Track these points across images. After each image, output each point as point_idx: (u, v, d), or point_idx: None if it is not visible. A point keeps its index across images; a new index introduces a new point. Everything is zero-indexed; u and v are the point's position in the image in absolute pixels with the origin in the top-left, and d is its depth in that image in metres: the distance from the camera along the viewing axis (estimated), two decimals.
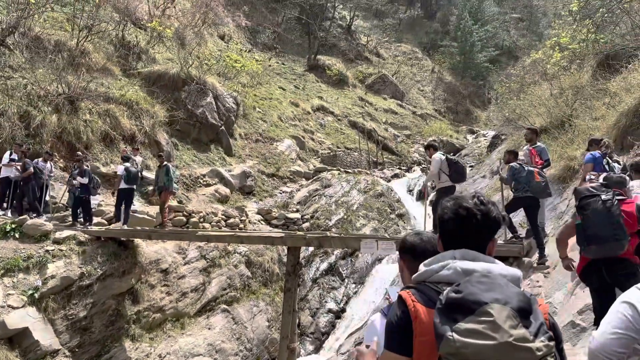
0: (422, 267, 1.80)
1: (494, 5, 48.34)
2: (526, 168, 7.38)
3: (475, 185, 16.68)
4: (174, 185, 11.69)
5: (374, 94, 34.45)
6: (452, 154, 26.22)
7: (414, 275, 1.82)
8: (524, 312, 1.48)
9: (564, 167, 10.00)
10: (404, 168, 25.53)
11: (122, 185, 11.55)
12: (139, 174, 12.05)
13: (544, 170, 7.76)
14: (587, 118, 10.88)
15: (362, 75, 36.41)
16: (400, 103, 35.06)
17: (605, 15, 10.60)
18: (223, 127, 19.49)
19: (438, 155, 8.46)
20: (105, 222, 12.15)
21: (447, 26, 46.28)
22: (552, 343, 1.46)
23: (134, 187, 11.97)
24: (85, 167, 11.49)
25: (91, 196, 11.59)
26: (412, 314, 1.64)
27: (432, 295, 1.66)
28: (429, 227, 16.48)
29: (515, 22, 50.70)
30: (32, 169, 10.97)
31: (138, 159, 13.49)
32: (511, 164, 7.61)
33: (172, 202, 14.35)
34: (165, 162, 11.87)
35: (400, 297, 1.73)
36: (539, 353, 1.41)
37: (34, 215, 10.76)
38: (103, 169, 13.63)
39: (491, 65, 41.23)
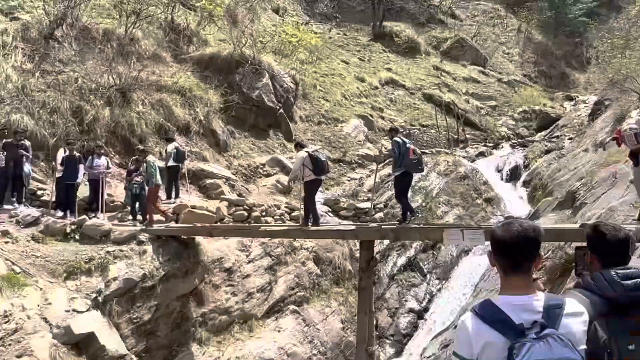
0: None
1: None
2: (407, 145, 9.25)
3: (577, 161, 15.82)
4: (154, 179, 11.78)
5: (451, 62, 33.39)
6: (546, 125, 24.89)
7: None
8: None
9: None
10: (491, 145, 24.65)
11: (171, 162, 13.28)
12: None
13: None
14: None
15: (436, 41, 35.33)
16: (483, 70, 33.76)
17: None
18: (281, 110, 19.70)
19: (301, 153, 10.19)
20: (164, 220, 12.63)
21: None
22: None
23: (180, 165, 13.79)
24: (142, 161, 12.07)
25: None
26: None
27: None
28: (524, 211, 15.90)
29: None
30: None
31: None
32: (395, 139, 9.41)
33: (232, 196, 14.73)
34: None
35: None
36: None
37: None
38: (160, 163, 14.09)
39: (589, 20, 38.39)
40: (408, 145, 9.29)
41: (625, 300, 2.40)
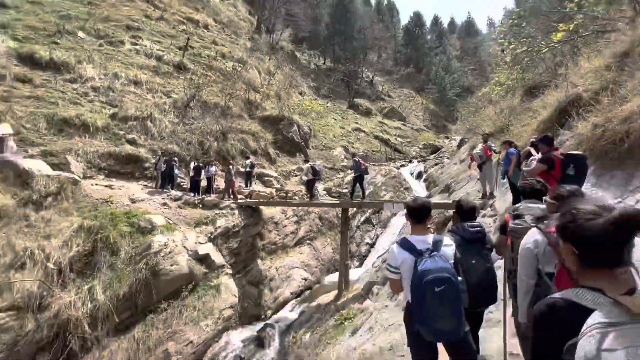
0: (513, 207, 2.42)
1: (457, 62, 46.89)
2: (360, 161, 9.23)
3: (451, 169, 15.73)
4: (233, 177, 11.72)
5: (388, 119, 33.15)
6: (434, 153, 24.29)
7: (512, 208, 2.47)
8: (542, 217, 1.99)
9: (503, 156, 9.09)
10: (407, 161, 24.51)
11: (248, 169, 13.09)
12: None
13: (491, 156, 7.33)
14: (518, 126, 9.78)
15: (380, 108, 35.08)
16: (404, 123, 33.53)
17: (529, 62, 9.40)
18: (303, 143, 19.58)
19: (307, 165, 10.37)
20: (244, 197, 12.62)
21: (429, 76, 43.78)
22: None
23: (252, 170, 13.41)
24: (230, 167, 12.02)
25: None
26: (507, 221, 2.33)
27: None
28: (424, 194, 15.81)
29: (471, 71, 47.18)
30: None
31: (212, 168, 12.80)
32: (354, 158, 9.37)
33: (278, 186, 14.69)
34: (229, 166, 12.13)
35: (505, 217, 2.41)
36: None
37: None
38: (241, 169, 14.11)
39: (457, 98, 38.37)
40: (361, 161, 9.59)
41: (470, 238, 2.43)
